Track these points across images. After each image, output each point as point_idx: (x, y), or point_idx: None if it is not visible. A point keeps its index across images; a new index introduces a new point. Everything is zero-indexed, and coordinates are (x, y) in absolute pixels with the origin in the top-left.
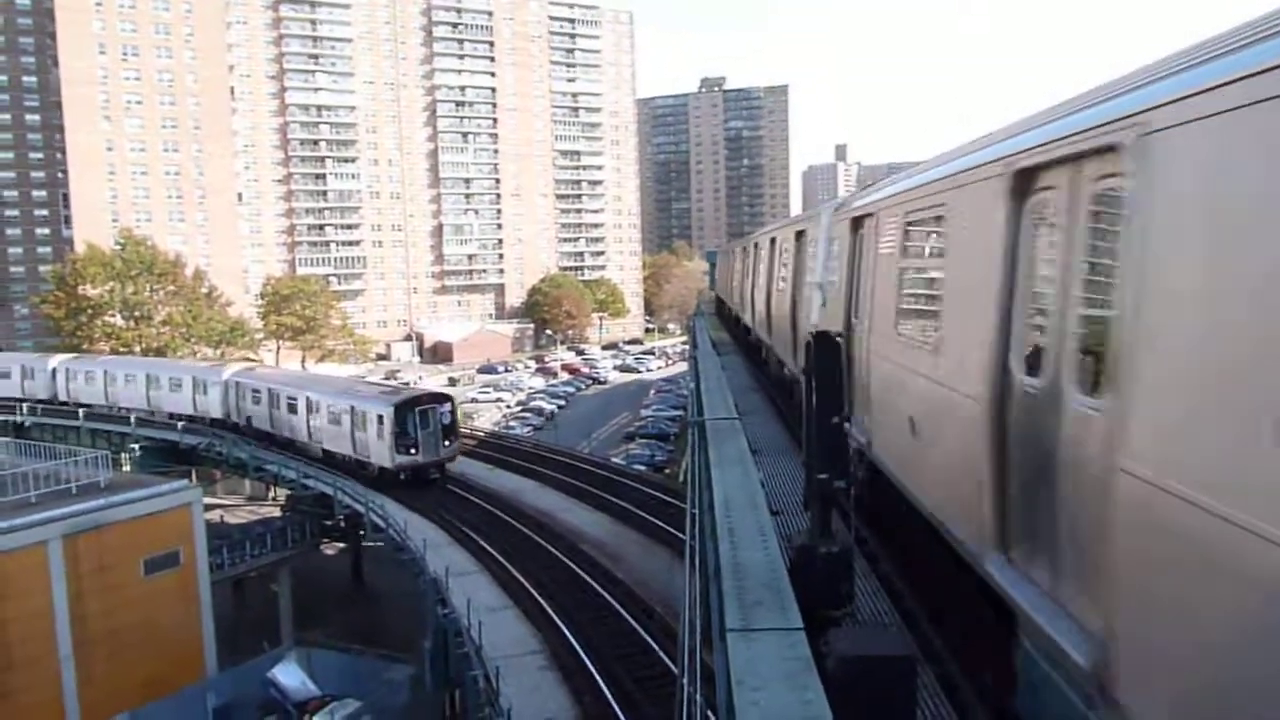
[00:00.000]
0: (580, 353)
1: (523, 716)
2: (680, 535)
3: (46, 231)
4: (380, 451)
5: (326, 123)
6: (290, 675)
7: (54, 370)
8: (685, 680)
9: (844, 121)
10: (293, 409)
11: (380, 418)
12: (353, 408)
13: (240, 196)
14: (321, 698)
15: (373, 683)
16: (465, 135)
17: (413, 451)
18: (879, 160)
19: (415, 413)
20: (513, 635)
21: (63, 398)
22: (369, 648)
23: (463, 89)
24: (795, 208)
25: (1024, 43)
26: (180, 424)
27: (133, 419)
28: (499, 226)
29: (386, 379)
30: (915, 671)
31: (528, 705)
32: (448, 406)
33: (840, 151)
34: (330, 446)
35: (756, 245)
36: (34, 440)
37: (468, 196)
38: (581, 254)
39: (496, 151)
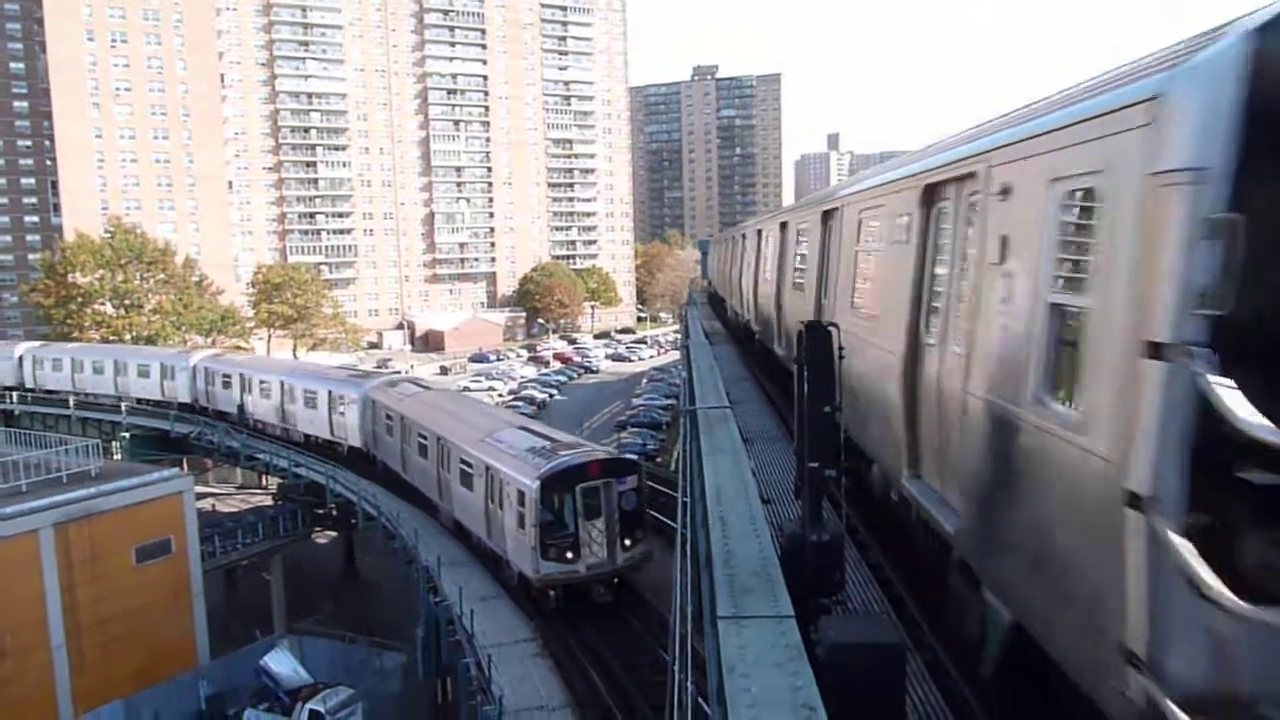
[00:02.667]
0: (572, 341)
1: (514, 704)
2: (672, 523)
3: (35, 219)
4: (518, 551)
5: (317, 110)
6: (282, 663)
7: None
8: (676, 667)
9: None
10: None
11: (521, 495)
12: (440, 440)
13: (230, 184)
14: (314, 685)
15: (364, 670)
16: (457, 123)
17: (570, 557)
18: (872, 149)
19: (577, 492)
20: (504, 624)
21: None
22: (361, 636)
23: (454, 77)
24: (788, 197)
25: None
26: (172, 412)
27: (123, 407)
28: (491, 215)
29: (379, 367)
30: (904, 658)
31: (519, 693)
32: (632, 479)
33: (833, 140)
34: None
35: (745, 236)
36: (24, 429)
37: (459, 185)
38: (574, 242)
39: (488, 140)
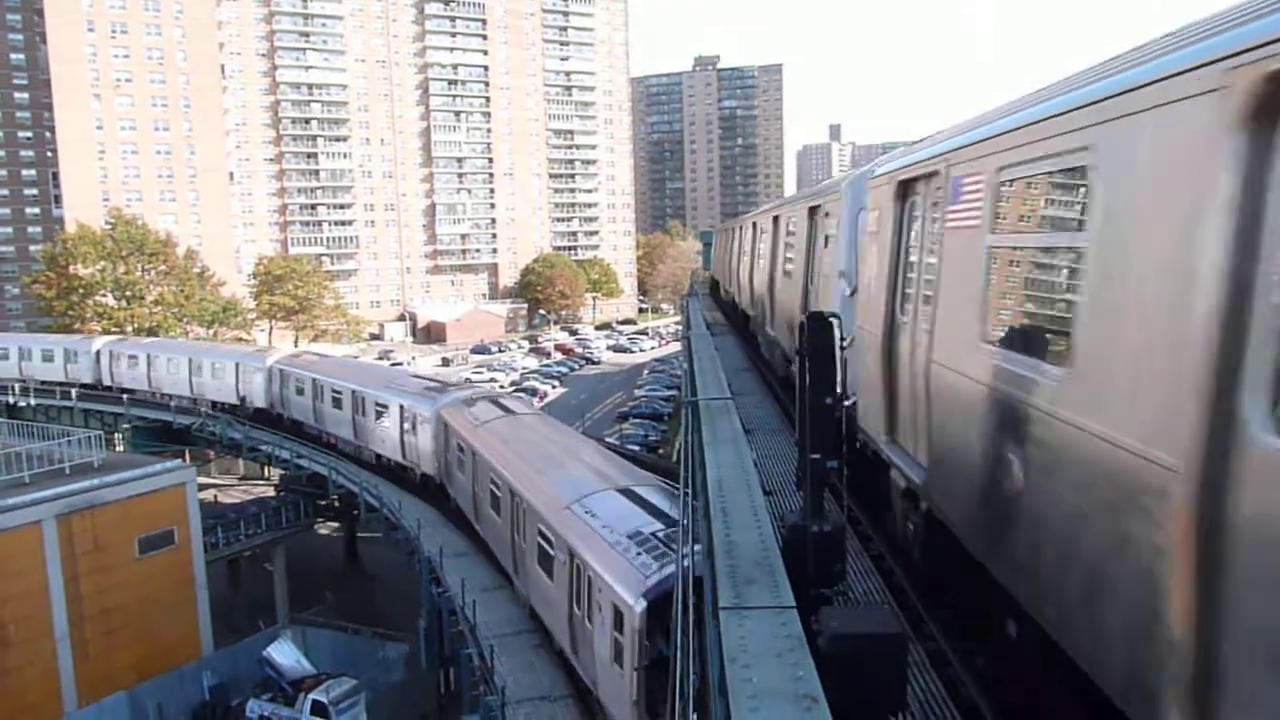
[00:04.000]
0: (574, 333)
1: (517, 694)
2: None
3: (36, 211)
4: (611, 692)
5: (318, 101)
6: (285, 654)
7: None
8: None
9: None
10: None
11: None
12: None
13: (232, 176)
14: (317, 676)
15: (367, 661)
16: (458, 114)
17: None
18: (874, 140)
19: None
20: (506, 615)
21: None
22: (364, 626)
23: (455, 67)
24: (790, 187)
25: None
26: (172, 403)
27: (125, 399)
28: (492, 206)
29: (380, 359)
30: (906, 648)
31: (521, 683)
32: None
33: (834, 131)
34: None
35: (741, 228)
36: (27, 420)
37: (460, 176)
38: (575, 234)
39: (489, 130)
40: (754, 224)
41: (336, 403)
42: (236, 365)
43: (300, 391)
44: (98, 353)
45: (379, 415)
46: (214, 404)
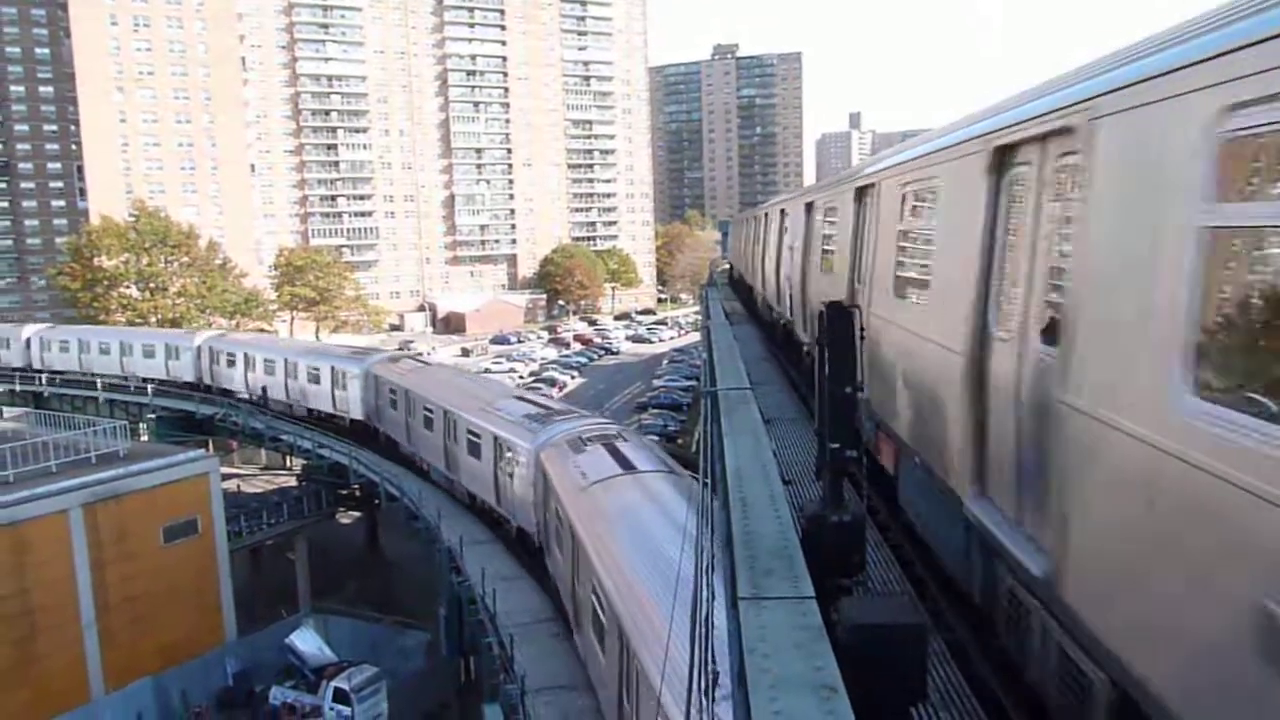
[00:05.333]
0: (592, 323)
1: (536, 683)
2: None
3: (62, 204)
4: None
5: (337, 93)
6: (307, 641)
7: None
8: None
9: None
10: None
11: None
12: None
13: (253, 167)
14: (338, 664)
15: (388, 649)
16: (476, 105)
17: None
18: (893, 128)
19: None
20: (526, 604)
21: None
22: (385, 615)
23: (473, 58)
24: (809, 177)
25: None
26: (197, 395)
27: (149, 389)
28: (511, 196)
29: (400, 349)
30: (926, 639)
31: (541, 672)
32: None
33: (854, 119)
34: None
35: (766, 216)
36: (53, 410)
37: (479, 166)
38: (593, 224)
39: (508, 121)
40: (781, 211)
41: (428, 423)
42: (333, 369)
43: (394, 405)
44: (199, 349)
45: (473, 450)
46: (310, 411)
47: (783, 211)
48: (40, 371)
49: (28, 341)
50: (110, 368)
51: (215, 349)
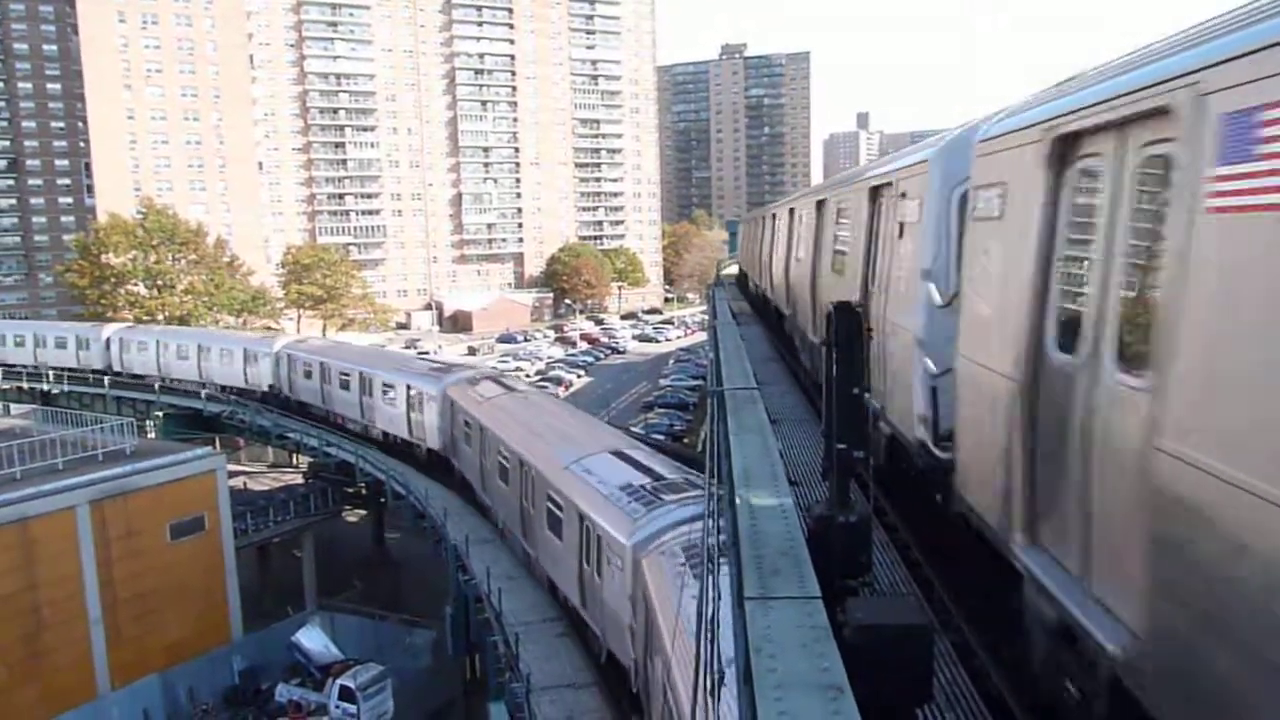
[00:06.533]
0: (599, 322)
1: (541, 681)
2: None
3: (69, 201)
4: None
5: (346, 91)
6: (314, 639)
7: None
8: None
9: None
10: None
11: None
12: None
13: (260, 165)
14: (344, 661)
15: (394, 647)
16: (484, 103)
17: None
18: (902, 129)
19: None
20: (531, 602)
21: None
22: (391, 613)
23: (482, 56)
24: (817, 177)
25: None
26: (204, 392)
27: (156, 386)
28: (518, 195)
29: (406, 348)
30: (932, 640)
31: (546, 670)
32: None
33: (862, 119)
34: None
35: (775, 216)
36: (60, 408)
37: (487, 165)
38: (601, 223)
39: (516, 120)
40: (790, 211)
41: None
42: (407, 389)
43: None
44: (277, 356)
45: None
46: (385, 435)
47: (792, 211)
48: (119, 374)
49: (107, 342)
50: (188, 373)
51: (293, 357)
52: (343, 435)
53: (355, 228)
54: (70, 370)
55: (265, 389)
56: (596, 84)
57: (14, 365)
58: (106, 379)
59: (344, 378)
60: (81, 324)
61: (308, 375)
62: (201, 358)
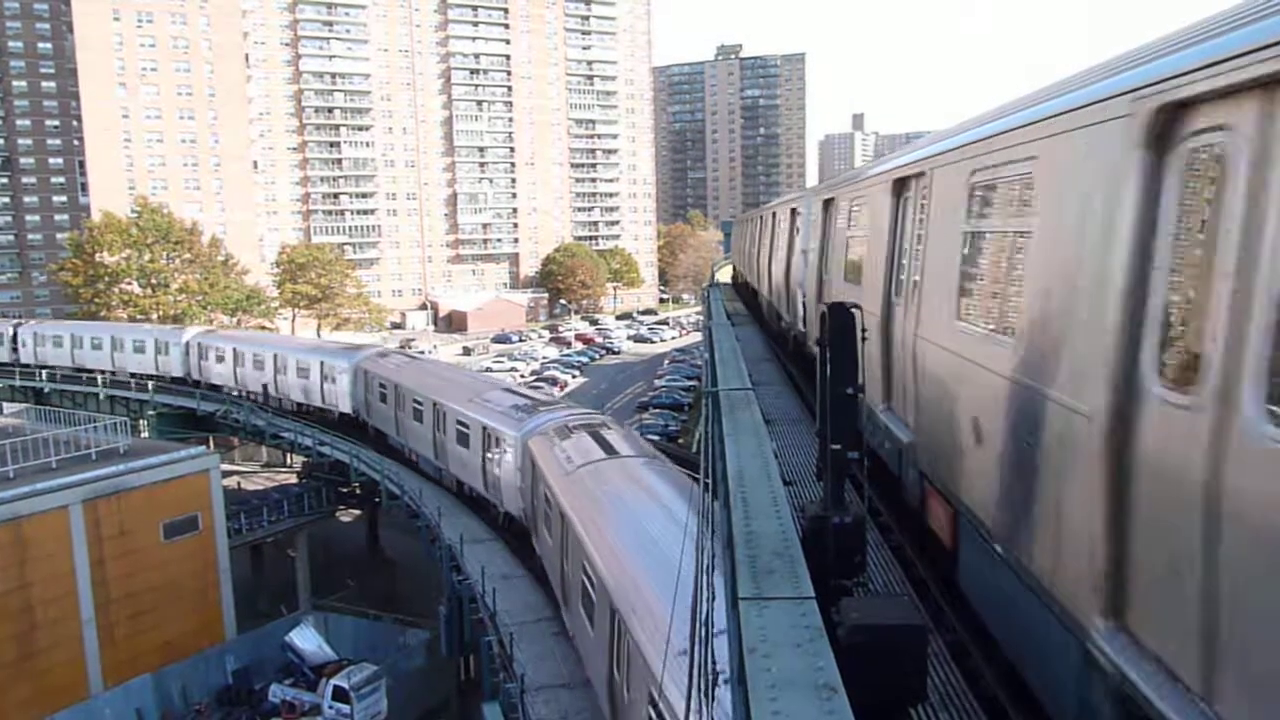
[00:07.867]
0: (594, 322)
1: (536, 681)
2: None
3: (64, 199)
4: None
5: (341, 90)
6: (307, 639)
7: (355, 370)
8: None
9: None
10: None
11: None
12: None
13: (255, 164)
14: (338, 661)
15: (388, 647)
16: (480, 103)
17: None
18: (897, 130)
19: None
20: (526, 602)
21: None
22: (385, 613)
23: (477, 56)
24: (812, 178)
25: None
26: (198, 391)
27: (150, 386)
28: (513, 195)
29: (402, 347)
30: (926, 640)
31: (540, 670)
32: None
33: (857, 120)
34: None
35: (774, 215)
36: (54, 406)
37: (482, 165)
38: (596, 223)
39: (511, 120)
40: (792, 210)
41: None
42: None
43: (384, 399)
44: (355, 370)
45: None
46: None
47: (794, 211)
48: (198, 382)
49: (187, 347)
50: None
51: (370, 373)
52: (336, 434)
53: (350, 227)
54: (151, 377)
55: (342, 412)
56: (592, 84)
57: (92, 370)
58: (100, 378)
59: (381, 390)
60: (162, 327)
61: (384, 399)
62: (278, 372)
